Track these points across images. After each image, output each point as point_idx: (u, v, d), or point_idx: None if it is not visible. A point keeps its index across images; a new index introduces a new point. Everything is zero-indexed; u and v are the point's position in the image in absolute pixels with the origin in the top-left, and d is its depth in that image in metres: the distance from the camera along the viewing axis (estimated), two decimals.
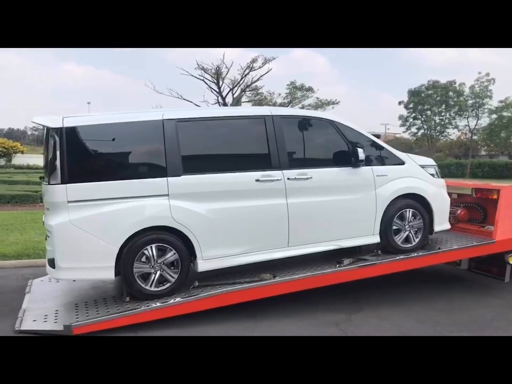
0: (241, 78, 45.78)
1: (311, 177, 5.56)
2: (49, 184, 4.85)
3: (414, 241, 6.15)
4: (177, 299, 4.99)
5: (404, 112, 53.27)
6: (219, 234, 5.21)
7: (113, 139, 5.05)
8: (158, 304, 4.92)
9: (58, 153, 4.76)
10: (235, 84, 46.64)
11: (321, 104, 47.22)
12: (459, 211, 7.20)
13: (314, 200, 5.61)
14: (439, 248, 6.15)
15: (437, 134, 53.30)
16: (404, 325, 5.26)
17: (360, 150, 5.65)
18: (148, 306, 4.87)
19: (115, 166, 5.10)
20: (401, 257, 5.96)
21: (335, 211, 5.73)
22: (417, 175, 6.22)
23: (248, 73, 45.56)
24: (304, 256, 5.79)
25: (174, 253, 5.06)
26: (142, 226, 4.93)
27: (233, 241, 5.28)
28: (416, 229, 6.19)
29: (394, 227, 6.05)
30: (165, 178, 5.02)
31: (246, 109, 5.65)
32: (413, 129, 53.98)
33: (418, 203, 6.16)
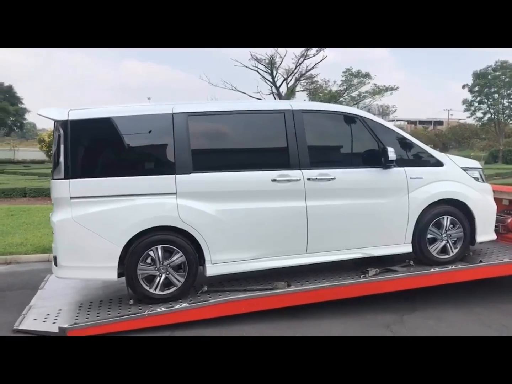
0: (295, 67, 45.15)
1: (334, 178, 5.07)
2: (52, 179, 4.68)
3: (452, 252, 5.51)
4: (183, 305, 4.68)
5: (469, 96, 50.32)
6: (230, 237, 4.85)
7: (120, 133, 4.80)
8: (162, 309, 4.63)
9: (62, 146, 4.57)
10: (289, 73, 46.05)
11: (378, 91, 45.71)
12: (510, 220, 6.44)
13: (337, 203, 5.11)
14: (480, 261, 5.47)
15: (506, 118, 49.93)
16: (465, 328, 4.72)
17: (390, 150, 5.09)
18: (151, 310, 4.59)
19: (121, 161, 4.85)
20: (436, 269, 5.34)
21: (361, 217, 5.21)
22: (458, 178, 5.56)
23: (302, 62, 44.84)
24: (327, 264, 5.32)
25: (181, 256, 4.75)
26: (146, 226, 4.65)
27: (245, 245, 4.90)
28: (455, 239, 5.54)
29: (429, 236, 5.43)
30: (173, 176, 4.71)
31: (264, 103, 5.29)
32: (479, 114, 50.84)
33: (458, 210, 5.51)
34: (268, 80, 46.59)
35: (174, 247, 4.73)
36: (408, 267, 5.42)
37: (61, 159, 4.56)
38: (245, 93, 46.63)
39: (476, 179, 5.69)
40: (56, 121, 4.66)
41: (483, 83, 47.47)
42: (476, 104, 49.45)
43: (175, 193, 4.71)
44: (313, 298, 4.91)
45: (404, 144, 5.44)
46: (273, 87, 46.68)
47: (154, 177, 4.72)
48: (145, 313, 4.52)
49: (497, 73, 47.19)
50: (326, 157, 5.41)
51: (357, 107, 53.12)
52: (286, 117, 5.04)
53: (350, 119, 5.30)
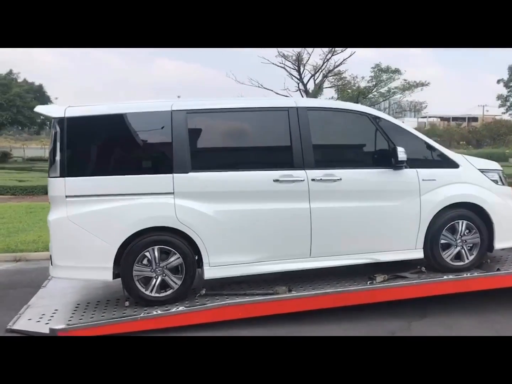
0: (323, 64, 44.52)
1: (340, 179, 4.82)
2: (48, 177, 4.61)
3: (468, 258, 5.19)
4: (180, 308, 4.54)
5: (504, 91, 48.53)
6: (229, 239, 4.67)
7: (117, 131, 4.69)
8: (158, 312, 4.50)
9: (58, 144, 4.48)
10: (317, 70, 45.46)
11: (408, 87, 44.60)
12: None
13: (343, 205, 4.87)
14: (498, 269, 5.13)
15: None
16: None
17: (400, 150, 4.80)
18: (146, 313, 4.47)
19: (118, 160, 4.74)
20: (450, 277, 5.03)
21: (369, 220, 4.95)
22: (475, 180, 5.22)
23: (330, 58, 44.21)
24: (333, 269, 5.09)
25: (178, 257, 4.60)
26: (142, 226, 4.53)
27: (245, 248, 4.72)
28: (471, 245, 5.21)
29: (443, 241, 5.12)
30: (170, 175, 4.56)
31: (268, 100, 5.02)
32: None
33: (474, 214, 5.17)
34: (295, 77, 46.14)
35: (171, 249, 4.59)
36: (420, 274, 5.13)
37: (57, 157, 4.48)
38: (271, 90, 46.41)
39: (495, 181, 5.33)
40: (53, 118, 4.58)
41: None
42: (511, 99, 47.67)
43: (173, 193, 4.56)
44: (315, 304, 4.69)
45: (417, 144, 5.14)
46: (300, 84, 46.26)
47: (151, 176, 4.59)
48: (138, 316, 4.39)
49: None
50: (332, 156, 5.15)
51: (388, 103, 52.10)
52: (290, 114, 4.82)
53: (358, 117, 5.03)
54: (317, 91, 47.05)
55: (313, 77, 48.02)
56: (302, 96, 47.52)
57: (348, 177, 4.87)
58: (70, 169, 4.48)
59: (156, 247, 4.57)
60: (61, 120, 4.50)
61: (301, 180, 4.74)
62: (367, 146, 5.18)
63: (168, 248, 4.59)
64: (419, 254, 5.10)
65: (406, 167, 4.97)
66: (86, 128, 4.60)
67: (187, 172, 4.58)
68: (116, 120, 4.64)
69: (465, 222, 5.14)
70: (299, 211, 4.77)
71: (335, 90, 48.97)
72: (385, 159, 4.93)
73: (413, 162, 5.03)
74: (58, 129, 4.49)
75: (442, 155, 5.17)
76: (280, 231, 4.77)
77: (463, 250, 5.17)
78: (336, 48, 44.01)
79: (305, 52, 45.63)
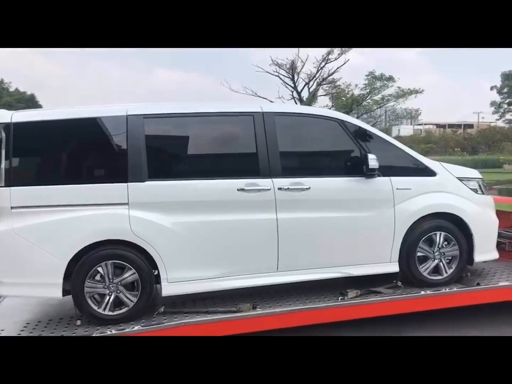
0: (317, 71, 44.53)
1: (308, 188, 4.53)
2: None
3: (446, 272, 4.90)
4: (135, 328, 4.22)
5: (497, 98, 48.54)
6: (189, 252, 4.36)
7: (68, 137, 4.39)
8: (112, 332, 4.17)
9: (3, 151, 4.17)
10: (311, 78, 45.47)
11: (402, 94, 44.55)
12: None
13: (312, 216, 4.57)
14: (477, 284, 4.83)
15: None
16: None
17: (371, 157, 4.52)
18: (99, 333, 4.14)
19: (68, 168, 4.42)
20: (427, 292, 4.74)
21: (340, 231, 4.65)
22: (453, 189, 4.93)
23: (324, 66, 44.21)
24: (305, 283, 4.77)
25: (134, 273, 4.28)
26: (95, 239, 4.21)
27: (207, 262, 4.41)
28: (450, 258, 4.93)
29: (419, 254, 4.83)
30: (125, 184, 4.25)
31: (232, 105, 4.71)
32: (508, 116, 48.90)
33: (453, 225, 4.89)
34: (289, 85, 46.12)
35: (126, 263, 4.27)
36: (395, 289, 4.83)
37: (2, 164, 4.17)
38: (265, 98, 46.38)
39: (475, 190, 5.04)
40: None
41: None
42: (505, 106, 47.64)
43: (127, 203, 4.25)
44: (281, 322, 4.37)
45: (391, 151, 4.85)
46: (294, 92, 46.20)
47: (104, 186, 4.27)
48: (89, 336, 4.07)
49: None
50: (300, 164, 4.86)
51: (383, 110, 51.97)
52: (255, 120, 4.53)
53: (328, 123, 4.74)
54: (311, 99, 47.04)
55: (307, 85, 48.01)
56: (296, 104, 47.48)
57: (318, 186, 4.58)
58: (16, 178, 4.16)
59: (109, 262, 4.24)
60: (7, 126, 4.19)
61: (267, 189, 4.45)
62: (338, 153, 4.90)
63: (123, 263, 4.27)
64: (394, 267, 4.80)
65: (379, 175, 4.69)
66: (34, 134, 4.29)
67: (143, 181, 4.27)
68: (67, 126, 4.33)
69: (443, 233, 4.86)
70: (265, 222, 4.47)
71: (329, 98, 48.98)
72: (356, 167, 4.64)
73: (387, 170, 4.75)
74: (3, 135, 4.19)
75: (418, 162, 4.89)
76: (245, 244, 4.46)
77: (441, 263, 4.89)
78: (329, 56, 44.18)
79: (299, 60, 45.66)
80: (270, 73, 46.24)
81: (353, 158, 4.67)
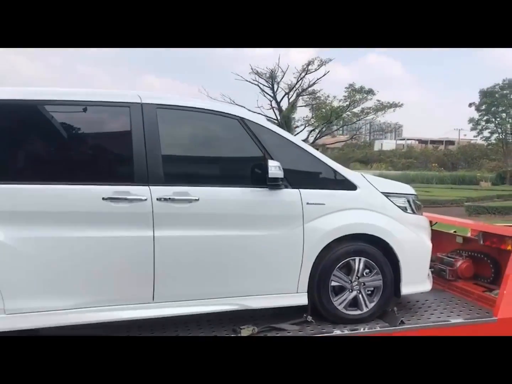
0: (297, 82, 44.25)
1: (197, 199, 3.66)
2: None
3: (366, 306, 4.07)
4: None
5: (476, 115, 48.59)
6: (35, 277, 3.43)
7: None
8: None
9: None
10: (291, 88, 45.20)
11: (382, 107, 44.41)
12: (459, 263, 4.98)
13: (200, 234, 3.70)
14: (401, 322, 4.00)
15: None
16: None
17: (273, 164, 3.68)
18: None
19: None
20: (343, 331, 3.90)
21: (235, 254, 3.79)
22: (376, 207, 4.12)
23: (304, 76, 43.98)
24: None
25: None
26: None
27: (58, 290, 3.48)
28: (372, 289, 4.11)
29: (334, 283, 4.00)
30: None
31: (102, 92, 3.80)
32: (486, 133, 48.98)
33: (376, 250, 4.08)
34: (268, 94, 45.67)
35: None
36: (303, 326, 3.97)
37: None
38: (243, 107, 45.81)
39: (404, 209, 4.24)
40: None
41: (490, 102, 45.77)
42: (483, 123, 47.74)
43: None
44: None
45: (302, 158, 4.02)
46: (273, 101, 45.73)
47: None
48: None
49: (504, 91, 45.54)
50: (188, 170, 3.95)
51: (364, 123, 51.74)
52: (132, 112, 3.66)
53: (225, 120, 3.90)
54: (290, 110, 46.65)
55: (287, 95, 47.65)
56: (275, 115, 47.04)
57: (208, 197, 3.72)
58: None
59: None
60: None
61: (143, 200, 3.57)
62: (236, 158, 4.05)
63: None
64: (301, 299, 3.95)
65: (286, 187, 3.86)
66: None
67: None
68: None
69: (363, 259, 4.04)
70: (138, 241, 3.58)
71: (309, 109, 48.70)
72: (258, 175, 3.79)
73: (296, 181, 3.92)
74: None
75: (335, 173, 4.06)
76: (110, 268, 3.57)
77: (360, 296, 4.06)
78: (309, 67, 43.92)
79: (279, 69, 45.32)
80: (250, 82, 45.82)
81: (254, 165, 3.82)
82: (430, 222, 5.55)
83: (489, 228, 4.72)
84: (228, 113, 3.89)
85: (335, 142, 57.37)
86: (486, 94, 46.04)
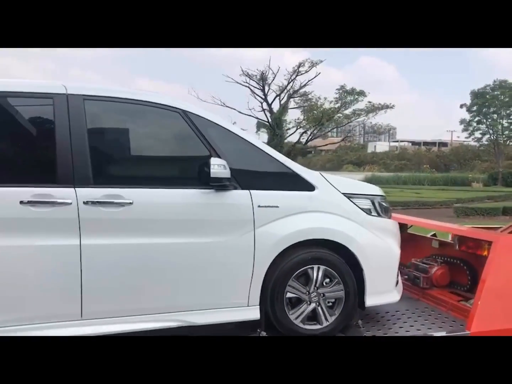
0: (288, 83, 44.05)
1: (130, 203, 3.24)
2: None
3: (327, 320, 3.66)
4: None
5: (467, 116, 48.35)
6: None
7: None
8: None
9: None
10: (282, 89, 45.01)
11: (373, 109, 44.22)
12: (434, 270, 4.58)
13: (135, 242, 3.27)
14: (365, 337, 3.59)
15: (505, 139, 47.65)
16: None
17: (216, 162, 3.27)
18: None
19: None
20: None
21: (176, 264, 3.37)
22: (337, 209, 3.71)
23: (295, 78, 43.80)
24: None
25: None
26: None
27: None
28: (332, 301, 3.70)
29: (290, 295, 3.59)
30: None
31: (22, 82, 3.38)
32: (477, 134, 48.73)
33: (337, 257, 3.67)
34: (259, 96, 45.44)
35: None
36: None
37: None
38: (234, 109, 45.58)
39: (368, 211, 3.82)
40: None
41: (481, 103, 45.55)
42: (474, 124, 47.51)
43: None
44: None
45: (253, 156, 3.60)
46: (263, 103, 45.46)
47: None
48: None
49: (495, 92, 45.35)
50: (120, 169, 3.52)
51: (354, 126, 51.55)
52: (56, 104, 3.23)
53: (165, 114, 3.47)
54: (281, 112, 46.37)
55: (278, 97, 47.41)
56: (266, 117, 46.74)
57: (144, 200, 3.30)
58: None
59: None
60: None
61: (67, 203, 3.14)
62: (178, 156, 3.62)
63: None
64: (253, 313, 3.53)
65: (235, 188, 3.45)
66: None
67: None
68: None
69: (322, 268, 3.63)
70: (63, 250, 3.15)
71: (301, 111, 48.48)
72: (202, 175, 3.37)
73: (247, 181, 3.51)
74: None
75: (291, 172, 3.65)
76: (31, 281, 3.13)
77: (320, 308, 3.64)
78: (300, 69, 43.72)
79: (270, 71, 45.13)
80: (240, 84, 45.54)
81: (198, 164, 3.40)
82: (405, 225, 5.18)
83: (465, 232, 4.31)
84: (168, 105, 3.46)
85: (327, 144, 57.18)
86: (477, 95, 45.85)
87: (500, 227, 5.76)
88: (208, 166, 3.27)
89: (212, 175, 3.24)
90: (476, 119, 46.95)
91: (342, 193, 3.74)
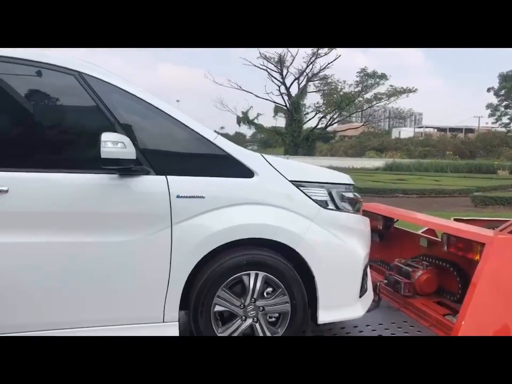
0: (306, 66, 43.07)
1: (5, 190, 2.53)
2: None
3: None
4: None
5: (494, 100, 46.24)
6: None
7: None
8: None
9: None
10: (301, 72, 44.11)
11: (394, 93, 42.87)
12: (418, 275, 3.76)
13: (10, 241, 2.57)
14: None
15: None
16: None
17: (109, 137, 2.53)
18: None
19: None
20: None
21: (64, 270, 2.65)
22: (281, 201, 2.92)
23: (314, 61, 42.80)
24: None
25: None
26: None
27: None
28: (275, 316, 2.94)
29: (219, 308, 2.85)
30: None
31: None
32: (505, 119, 46.54)
33: (281, 261, 2.89)
34: (277, 79, 44.55)
35: None
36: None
37: None
38: (251, 93, 44.75)
39: (323, 203, 3.01)
40: None
41: (510, 86, 43.31)
42: (502, 109, 45.26)
43: None
44: None
45: (172, 132, 2.84)
46: (281, 87, 44.52)
47: None
48: None
49: None
50: None
51: (374, 110, 49.90)
52: None
53: (56, 76, 2.71)
54: (300, 96, 45.33)
55: (297, 80, 46.40)
56: (284, 101, 45.82)
57: (24, 187, 2.58)
58: None
59: None
60: None
61: None
62: (71, 131, 2.86)
63: None
64: (170, 330, 2.80)
65: (148, 173, 2.70)
66: None
67: None
68: None
69: (261, 274, 2.87)
70: None
71: (320, 95, 47.41)
72: (99, 156, 2.63)
73: (164, 164, 2.76)
74: None
75: (222, 154, 2.86)
76: None
77: (258, 325, 2.89)
78: (319, 51, 42.51)
79: (289, 54, 44.14)
80: (258, 67, 44.64)
81: (96, 141, 2.65)
82: (391, 219, 4.38)
83: (453, 229, 3.45)
84: (59, 66, 2.70)
85: (347, 129, 55.81)
86: (505, 78, 43.62)
87: None
88: (98, 144, 2.53)
89: (103, 155, 2.50)
90: (504, 103, 44.74)
91: (290, 181, 2.94)
